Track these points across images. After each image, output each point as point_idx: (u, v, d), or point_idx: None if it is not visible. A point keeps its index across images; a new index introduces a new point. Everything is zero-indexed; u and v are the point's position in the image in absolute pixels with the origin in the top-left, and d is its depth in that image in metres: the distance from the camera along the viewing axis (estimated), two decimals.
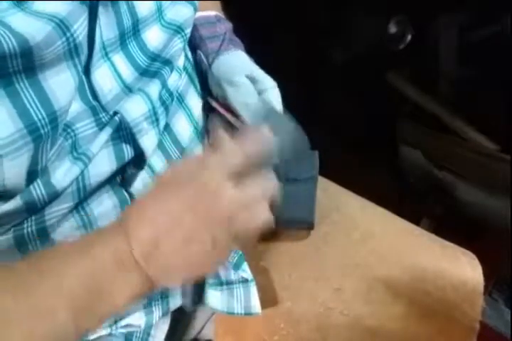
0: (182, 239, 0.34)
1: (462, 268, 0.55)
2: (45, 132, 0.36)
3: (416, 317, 0.52)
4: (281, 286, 0.54)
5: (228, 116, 0.59)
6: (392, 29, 0.91)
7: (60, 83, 0.36)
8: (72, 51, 0.37)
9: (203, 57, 0.59)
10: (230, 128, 0.59)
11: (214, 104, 0.60)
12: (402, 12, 0.91)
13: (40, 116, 0.35)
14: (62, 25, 0.35)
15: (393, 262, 0.55)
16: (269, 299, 0.53)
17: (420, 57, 0.93)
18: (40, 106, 0.35)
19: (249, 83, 0.55)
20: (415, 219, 0.63)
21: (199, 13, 0.58)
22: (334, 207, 0.59)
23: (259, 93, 0.55)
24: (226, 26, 0.60)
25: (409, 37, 0.92)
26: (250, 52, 0.61)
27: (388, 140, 0.98)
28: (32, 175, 0.37)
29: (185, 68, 0.55)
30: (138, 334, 0.50)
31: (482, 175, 0.91)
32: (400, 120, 0.98)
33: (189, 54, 0.58)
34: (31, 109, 0.35)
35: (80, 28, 0.36)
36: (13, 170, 0.35)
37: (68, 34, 0.35)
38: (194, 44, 0.59)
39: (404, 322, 0.52)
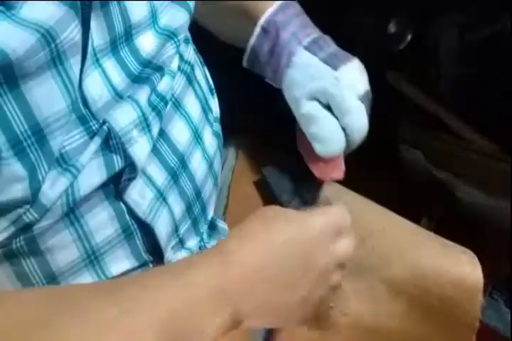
0: (283, 285, 0.36)
1: (462, 267, 0.55)
2: (28, 144, 0.35)
3: (416, 315, 0.52)
4: None
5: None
6: (392, 29, 0.91)
7: (43, 93, 0.35)
8: (55, 60, 0.35)
9: (271, 83, 0.59)
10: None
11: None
12: (402, 12, 0.91)
13: (22, 129, 0.34)
14: (47, 36, 0.34)
15: (393, 260, 0.55)
16: None
17: (420, 57, 0.93)
18: (22, 118, 0.34)
19: (327, 114, 0.55)
20: (415, 219, 0.63)
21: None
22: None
23: (338, 118, 0.55)
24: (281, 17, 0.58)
25: (409, 37, 0.92)
26: None
27: (388, 140, 0.98)
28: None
29: (182, 70, 0.53)
30: None
31: (482, 175, 0.91)
32: (400, 120, 0.98)
33: (189, 54, 0.57)
34: (14, 122, 0.34)
35: (68, 37, 0.35)
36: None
37: (53, 45, 0.34)
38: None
39: (405, 320, 0.52)
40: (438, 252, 0.57)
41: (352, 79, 0.56)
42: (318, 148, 0.56)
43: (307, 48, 0.57)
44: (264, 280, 0.35)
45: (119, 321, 0.29)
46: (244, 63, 0.62)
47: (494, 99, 0.85)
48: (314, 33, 0.58)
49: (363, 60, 0.60)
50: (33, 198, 0.36)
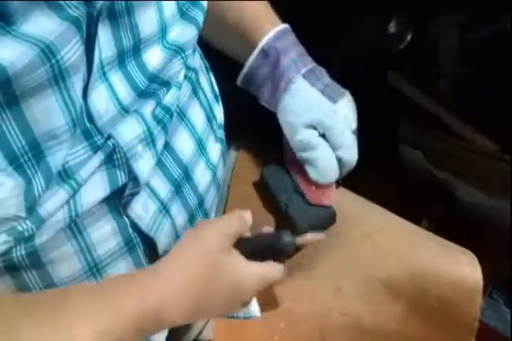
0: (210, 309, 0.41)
1: (462, 268, 0.55)
2: (25, 160, 0.35)
3: (415, 316, 0.52)
4: (281, 286, 0.54)
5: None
6: (392, 29, 0.91)
7: (42, 110, 0.35)
8: (57, 77, 0.35)
9: (265, 104, 0.60)
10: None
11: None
12: (402, 12, 0.90)
13: (19, 145, 0.34)
14: (47, 51, 0.33)
15: (392, 261, 0.55)
16: (268, 299, 0.53)
17: (420, 57, 0.93)
18: (19, 134, 0.34)
19: (324, 143, 0.56)
20: (415, 219, 0.63)
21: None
22: (334, 206, 0.59)
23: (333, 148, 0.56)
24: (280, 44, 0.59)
25: (409, 37, 0.92)
26: None
27: (388, 140, 0.98)
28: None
29: (188, 78, 0.53)
30: None
31: (482, 175, 0.91)
32: (400, 120, 0.98)
33: (196, 62, 0.56)
34: (11, 139, 0.34)
35: (69, 52, 0.35)
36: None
37: (53, 60, 0.34)
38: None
39: (404, 321, 0.52)
40: (437, 253, 0.57)
41: (347, 114, 0.58)
42: (314, 175, 0.57)
43: (305, 77, 0.58)
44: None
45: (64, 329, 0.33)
46: (239, 82, 0.62)
47: (494, 99, 0.85)
48: (311, 63, 0.60)
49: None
50: (27, 212, 0.36)
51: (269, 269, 0.44)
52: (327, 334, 0.51)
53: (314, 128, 0.56)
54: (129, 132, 0.42)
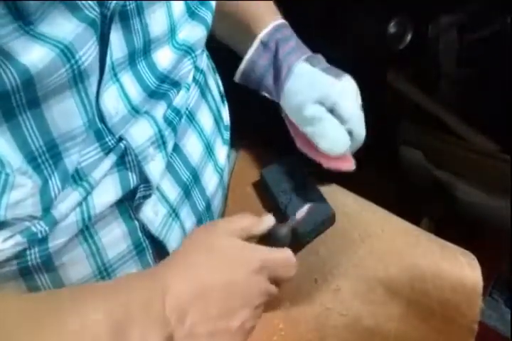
0: (215, 315, 0.38)
1: (461, 269, 0.54)
2: (42, 161, 0.35)
3: (414, 317, 0.52)
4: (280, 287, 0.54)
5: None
6: (392, 29, 0.91)
7: (61, 111, 0.35)
8: (76, 78, 0.35)
9: (267, 95, 0.60)
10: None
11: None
12: (402, 12, 0.91)
13: (37, 145, 0.35)
14: (66, 51, 0.33)
15: (392, 262, 0.55)
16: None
17: (420, 57, 0.93)
18: (38, 134, 0.35)
19: (331, 116, 0.56)
20: (415, 219, 0.63)
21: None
22: (333, 206, 0.59)
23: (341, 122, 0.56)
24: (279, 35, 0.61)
25: (409, 37, 0.92)
26: None
27: (388, 140, 0.98)
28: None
29: (196, 81, 0.53)
30: None
31: (482, 175, 0.91)
32: (400, 120, 0.98)
33: (203, 63, 0.56)
34: (29, 139, 0.34)
35: (87, 53, 0.35)
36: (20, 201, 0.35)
37: (73, 61, 0.34)
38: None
39: (403, 322, 0.51)
40: (437, 254, 0.56)
41: (353, 89, 0.58)
42: (324, 145, 0.56)
43: (306, 60, 0.59)
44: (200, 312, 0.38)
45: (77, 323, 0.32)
46: (237, 78, 0.63)
47: (494, 99, 0.85)
48: (309, 52, 0.61)
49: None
50: (43, 212, 0.36)
51: (272, 250, 0.44)
52: (326, 334, 0.51)
53: (321, 104, 0.56)
54: (140, 134, 0.42)
